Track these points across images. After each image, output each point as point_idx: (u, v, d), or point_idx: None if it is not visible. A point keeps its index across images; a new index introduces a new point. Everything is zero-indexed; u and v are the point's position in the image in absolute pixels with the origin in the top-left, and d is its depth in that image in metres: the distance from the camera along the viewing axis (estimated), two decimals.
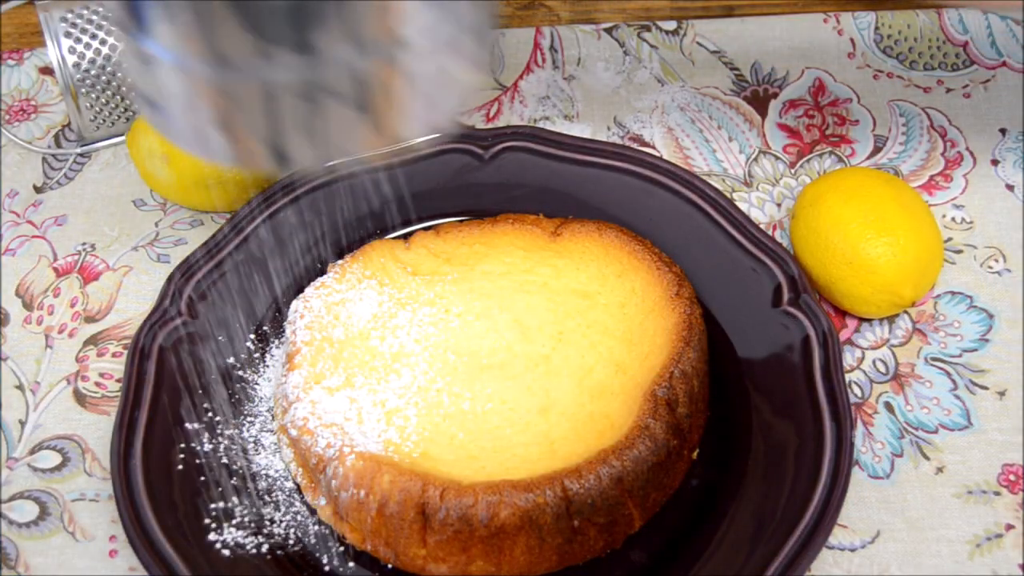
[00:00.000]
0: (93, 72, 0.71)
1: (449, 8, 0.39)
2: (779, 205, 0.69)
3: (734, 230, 0.63)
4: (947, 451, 0.58)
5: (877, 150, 0.71)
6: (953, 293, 0.64)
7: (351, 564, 0.55)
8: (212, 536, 0.54)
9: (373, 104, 0.38)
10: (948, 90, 0.74)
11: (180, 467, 0.57)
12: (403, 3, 0.37)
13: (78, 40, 0.70)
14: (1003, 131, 0.71)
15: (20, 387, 0.63)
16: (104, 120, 0.73)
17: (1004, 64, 0.75)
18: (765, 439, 0.57)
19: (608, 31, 0.78)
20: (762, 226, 0.68)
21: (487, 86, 0.43)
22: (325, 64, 0.37)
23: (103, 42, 0.71)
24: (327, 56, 0.36)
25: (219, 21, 0.36)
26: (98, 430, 0.61)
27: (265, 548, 0.55)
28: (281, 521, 0.56)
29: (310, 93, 0.37)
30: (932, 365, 0.62)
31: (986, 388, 0.61)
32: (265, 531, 0.55)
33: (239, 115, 0.38)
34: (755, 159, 0.72)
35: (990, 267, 0.65)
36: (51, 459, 0.60)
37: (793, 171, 0.71)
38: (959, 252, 0.66)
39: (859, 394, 0.61)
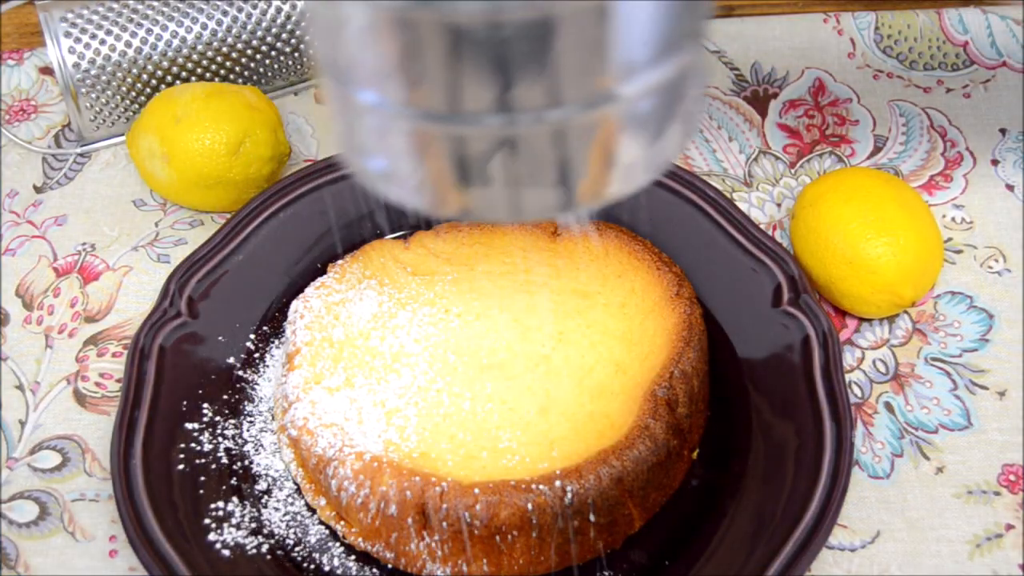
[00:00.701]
0: (93, 72, 0.71)
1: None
2: (779, 205, 0.69)
3: (734, 230, 0.64)
4: (947, 451, 0.58)
5: (877, 150, 0.71)
6: (953, 293, 0.64)
7: (351, 564, 0.55)
8: (212, 536, 0.54)
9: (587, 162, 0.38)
10: (948, 90, 0.74)
11: (180, 467, 0.57)
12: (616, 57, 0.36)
13: (78, 40, 0.70)
14: (1003, 131, 0.71)
15: (20, 387, 0.63)
16: (104, 120, 0.73)
17: (1004, 64, 0.75)
18: (765, 439, 0.57)
19: None
20: (762, 226, 0.68)
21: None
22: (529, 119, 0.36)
23: (103, 42, 0.71)
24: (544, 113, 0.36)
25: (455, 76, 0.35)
26: (98, 430, 0.61)
27: (265, 548, 0.55)
28: (281, 521, 0.56)
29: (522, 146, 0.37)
30: (932, 365, 0.62)
31: (986, 388, 0.61)
32: (265, 531, 0.55)
33: (472, 169, 0.37)
34: (755, 159, 0.72)
35: (990, 267, 0.65)
36: (51, 459, 0.60)
37: (793, 171, 0.71)
38: (959, 252, 0.66)
39: (859, 394, 0.61)
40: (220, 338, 0.62)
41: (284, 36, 0.74)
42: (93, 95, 0.72)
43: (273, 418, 0.60)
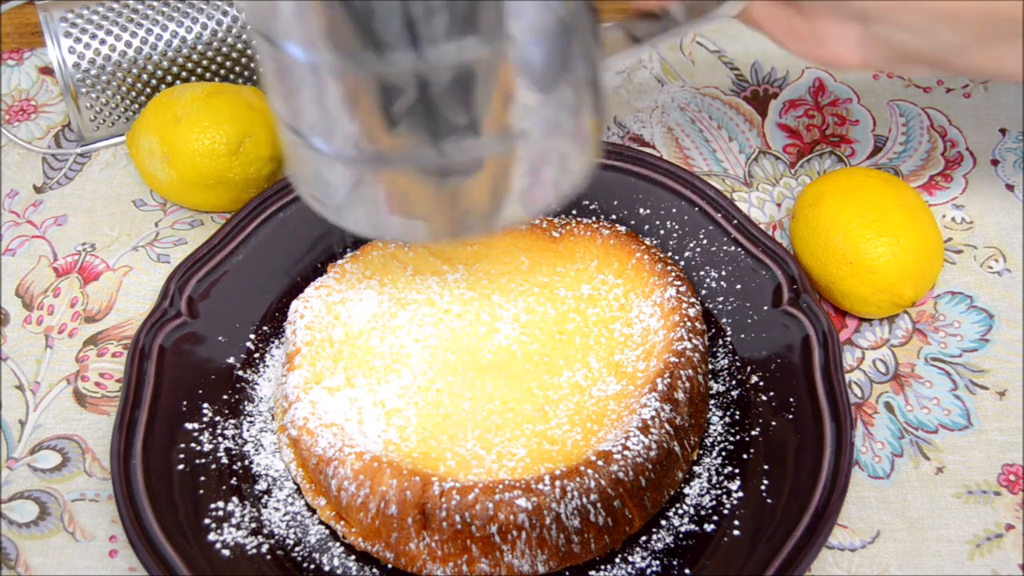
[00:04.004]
0: (93, 72, 0.71)
1: (563, 98, 0.43)
2: (779, 205, 0.69)
3: (734, 230, 0.64)
4: (947, 451, 0.58)
5: (877, 150, 0.71)
6: (953, 293, 0.64)
7: (351, 564, 0.55)
8: (212, 536, 0.54)
9: (498, 187, 0.43)
10: (948, 90, 0.74)
11: (180, 467, 0.57)
12: (520, 99, 0.41)
13: (78, 40, 0.70)
14: (1003, 131, 0.71)
15: (20, 387, 0.63)
16: (104, 120, 0.73)
17: None
18: (765, 439, 0.57)
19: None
20: (762, 226, 0.68)
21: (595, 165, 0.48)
22: (455, 151, 0.41)
23: (103, 42, 0.71)
24: (456, 144, 0.41)
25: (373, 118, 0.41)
26: (98, 430, 0.61)
27: (265, 548, 0.55)
28: (281, 521, 0.56)
29: (445, 175, 0.42)
30: (932, 365, 0.62)
31: (986, 388, 0.61)
32: (265, 531, 0.55)
33: (399, 198, 0.43)
34: (755, 159, 0.72)
35: (990, 267, 0.65)
36: (51, 459, 0.60)
37: (793, 171, 0.71)
38: (959, 252, 0.66)
39: (859, 394, 0.61)
40: (220, 338, 0.62)
41: None
42: (93, 95, 0.72)
43: (273, 418, 0.60)
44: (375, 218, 0.45)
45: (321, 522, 0.56)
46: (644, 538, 0.55)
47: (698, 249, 0.64)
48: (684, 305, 0.59)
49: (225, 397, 0.60)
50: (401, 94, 0.40)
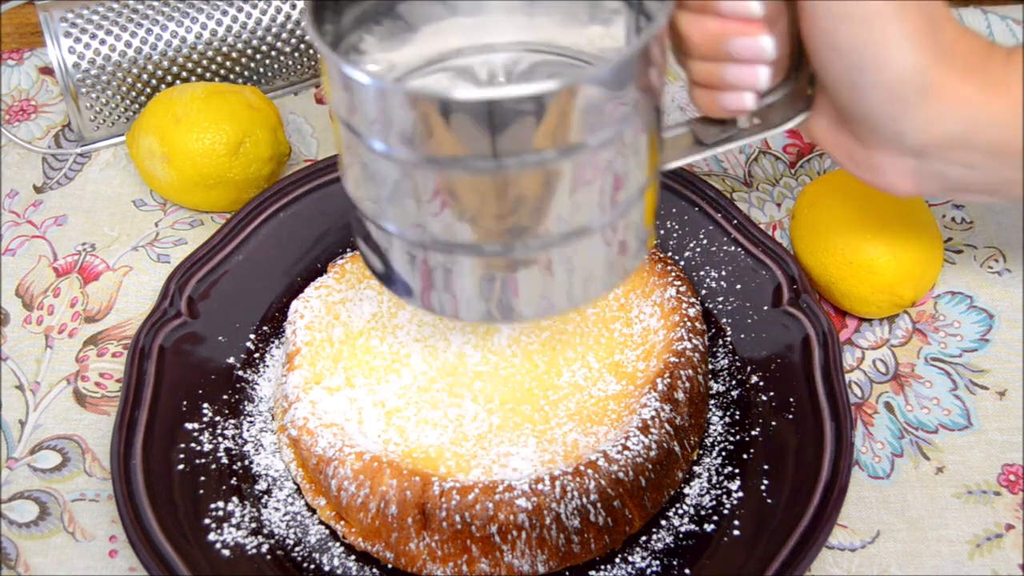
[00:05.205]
0: (93, 72, 0.71)
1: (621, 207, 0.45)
2: (779, 205, 0.69)
3: (734, 230, 0.64)
4: (947, 451, 0.58)
5: None
6: (953, 293, 0.64)
7: (351, 564, 0.55)
8: (212, 536, 0.54)
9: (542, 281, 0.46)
10: None
11: (180, 467, 0.57)
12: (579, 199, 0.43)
13: (78, 40, 0.70)
14: None
15: (20, 387, 0.63)
16: (104, 120, 0.73)
17: None
18: (765, 439, 0.57)
19: None
20: (762, 226, 0.68)
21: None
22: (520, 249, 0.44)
23: (103, 42, 0.71)
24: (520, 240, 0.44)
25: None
26: (98, 430, 0.61)
27: (265, 548, 0.55)
28: (281, 521, 0.56)
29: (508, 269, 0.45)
30: (932, 365, 0.62)
31: (986, 388, 0.61)
32: (265, 531, 0.55)
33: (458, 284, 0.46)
34: (755, 159, 0.72)
35: (990, 267, 0.65)
36: (51, 459, 0.60)
37: (793, 171, 0.71)
38: (959, 252, 0.66)
39: (859, 394, 0.61)
40: (220, 338, 0.62)
41: (284, 36, 0.74)
42: (93, 95, 0.72)
43: (273, 418, 0.60)
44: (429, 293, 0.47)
45: (321, 522, 0.56)
46: (644, 538, 0.55)
47: (698, 249, 0.64)
48: (684, 305, 0.59)
49: (225, 397, 0.60)
50: (477, 192, 0.42)
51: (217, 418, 0.59)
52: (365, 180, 0.45)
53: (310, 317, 0.60)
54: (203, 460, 0.57)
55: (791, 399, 0.57)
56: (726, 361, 0.61)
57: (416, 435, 0.55)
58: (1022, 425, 0.59)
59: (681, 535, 0.55)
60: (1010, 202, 0.51)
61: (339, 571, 0.54)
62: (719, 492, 0.56)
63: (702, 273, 0.63)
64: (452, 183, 0.42)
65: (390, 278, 0.48)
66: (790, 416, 0.57)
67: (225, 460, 0.58)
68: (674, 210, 0.65)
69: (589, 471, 0.52)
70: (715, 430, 0.58)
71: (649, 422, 0.54)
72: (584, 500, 0.51)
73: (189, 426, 0.58)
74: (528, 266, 0.45)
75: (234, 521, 0.55)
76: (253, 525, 0.55)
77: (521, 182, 0.42)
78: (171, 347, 0.61)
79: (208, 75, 0.73)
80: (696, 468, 0.57)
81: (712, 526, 0.54)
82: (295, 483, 0.57)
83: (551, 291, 0.46)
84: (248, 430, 0.59)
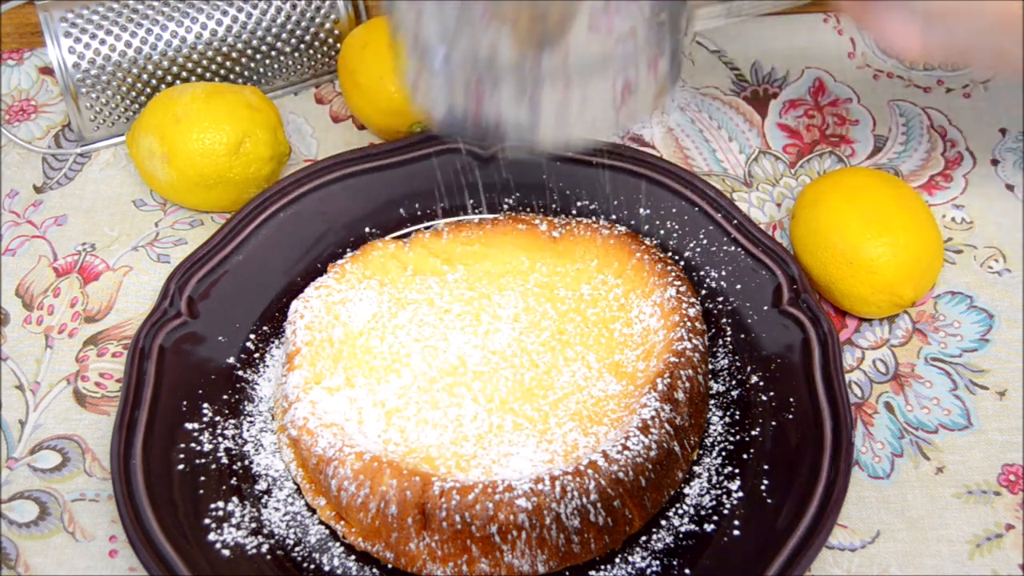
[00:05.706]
0: (93, 72, 0.71)
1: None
2: (779, 205, 0.69)
3: (734, 230, 0.64)
4: (947, 451, 0.58)
5: (877, 150, 0.71)
6: (953, 293, 0.64)
7: (351, 564, 0.55)
8: (212, 536, 0.54)
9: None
10: (948, 90, 0.74)
11: (180, 467, 0.57)
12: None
13: (78, 40, 0.70)
14: (1003, 131, 0.71)
15: (20, 387, 0.63)
16: (104, 120, 0.73)
17: None
18: (765, 439, 0.57)
19: None
20: (762, 226, 0.68)
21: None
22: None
23: (103, 42, 0.71)
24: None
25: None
26: (98, 430, 0.61)
27: (265, 548, 0.55)
28: (281, 521, 0.56)
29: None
30: (932, 365, 0.62)
31: (986, 388, 0.61)
32: (265, 531, 0.55)
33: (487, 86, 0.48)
34: (755, 159, 0.72)
35: (990, 267, 0.65)
36: (51, 459, 0.60)
37: (793, 171, 0.71)
38: (959, 252, 0.66)
39: (859, 394, 0.61)
40: (220, 338, 0.62)
41: (284, 36, 0.74)
42: (93, 95, 0.72)
43: (273, 418, 0.60)
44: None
45: (321, 522, 0.56)
46: (644, 538, 0.55)
47: (698, 249, 0.64)
48: (684, 305, 0.59)
49: (225, 397, 0.60)
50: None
51: (217, 418, 0.59)
52: None
53: (310, 317, 0.60)
54: (203, 460, 0.57)
55: (791, 399, 0.57)
56: (726, 361, 0.61)
57: (416, 435, 0.55)
58: (1022, 425, 0.59)
59: (681, 535, 0.55)
60: (1010, 74, 0.52)
61: (339, 571, 0.54)
62: (719, 492, 0.56)
63: (702, 273, 0.63)
64: None
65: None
66: (790, 416, 0.57)
67: (225, 460, 0.58)
68: (674, 210, 0.65)
69: (589, 471, 0.52)
70: (715, 430, 0.58)
71: (649, 422, 0.54)
72: (584, 500, 0.51)
73: (189, 426, 0.58)
74: (553, 82, 0.47)
75: (234, 521, 0.55)
76: (253, 525, 0.55)
77: None
78: (171, 347, 0.61)
79: (208, 75, 0.73)
80: (696, 468, 0.57)
81: (712, 526, 0.54)
82: (295, 483, 0.57)
83: (571, 115, 0.48)
84: (248, 430, 0.59)
